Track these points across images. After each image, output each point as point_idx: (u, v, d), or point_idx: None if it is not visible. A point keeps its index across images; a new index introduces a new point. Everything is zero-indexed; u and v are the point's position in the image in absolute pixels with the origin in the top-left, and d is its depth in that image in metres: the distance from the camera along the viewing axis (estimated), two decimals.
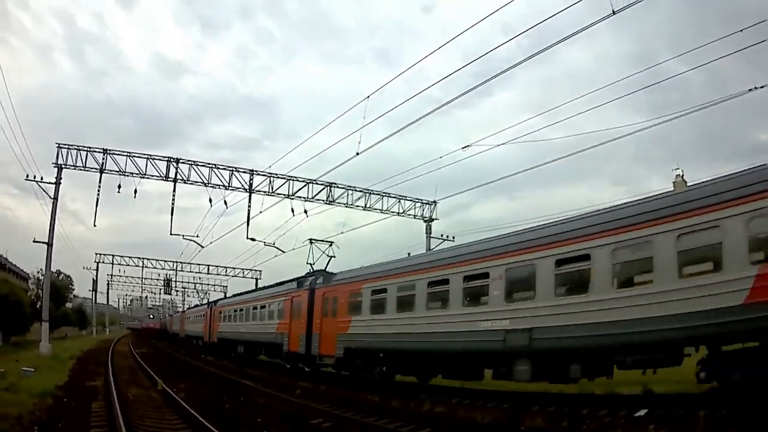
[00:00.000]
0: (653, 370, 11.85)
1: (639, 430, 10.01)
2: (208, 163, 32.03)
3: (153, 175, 30.76)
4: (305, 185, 33.14)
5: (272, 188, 32.62)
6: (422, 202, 37.29)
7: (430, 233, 37.57)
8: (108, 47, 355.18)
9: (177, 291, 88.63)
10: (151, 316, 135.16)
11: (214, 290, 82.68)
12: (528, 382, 14.28)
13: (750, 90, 15.43)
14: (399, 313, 18.20)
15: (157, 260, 70.11)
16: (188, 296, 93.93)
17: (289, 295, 27.22)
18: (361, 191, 34.75)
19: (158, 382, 17.57)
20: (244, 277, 70.42)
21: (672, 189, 17.35)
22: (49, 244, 31.65)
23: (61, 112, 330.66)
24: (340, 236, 35.88)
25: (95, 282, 79.93)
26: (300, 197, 33.10)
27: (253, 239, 33.80)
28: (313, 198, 33.46)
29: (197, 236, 36.64)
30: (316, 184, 33.28)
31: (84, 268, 79.00)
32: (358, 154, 24.79)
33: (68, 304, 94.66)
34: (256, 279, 68.54)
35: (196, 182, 31.48)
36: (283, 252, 36.01)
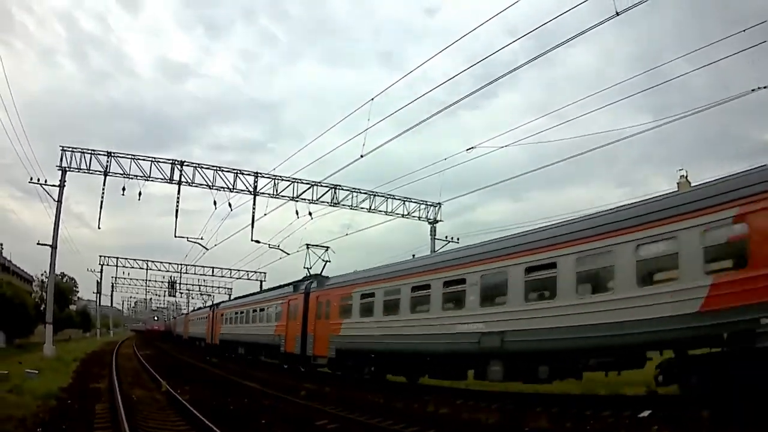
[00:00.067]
0: (617, 372, 12.70)
1: (642, 431, 9.97)
2: (213, 166, 32.15)
3: (157, 178, 30.88)
4: (310, 187, 33.18)
5: (277, 190, 32.67)
6: (427, 204, 37.30)
7: (435, 235, 37.57)
8: (112, 50, 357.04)
9: (181, 293, 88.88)
10: (156, 318, 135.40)
11: (219, 292, 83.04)
12: (500, 382, 15.13)
13: (753, 90, 15.46)
14: (385, 316, 19.17)
15: (161, 262, 70.42)
16: (193, 298, 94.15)
17: (286, 299, 28.10)
18: (365, 193, 34.81)
19: (162, 384, 17.57)
20: (248, 279, 70.59)
21: (676, 189, 17.35)
22: (54, 247, 31.77)
23: (65, 115, 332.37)
24: (345, 238, 36.02)
25: (99, 284, 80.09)
26: (304, 199, 33.15)
27: (257, 241, 34.07)
28: (317, 200, 33.50)
29: (202, 238, 36.93)
30: (321, 186, 33.33)
31: (88, 270, 79.23)
32: (362, 156, 24.84)
33: (72, 307, 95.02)
34: (261, 281, 68.71)
35: (201, 185, 31.56)
36: (288, 254, 36.01)
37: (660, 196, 12.45)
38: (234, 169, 32.27)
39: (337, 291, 23.03)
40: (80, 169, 30.48)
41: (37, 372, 19.03)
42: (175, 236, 33.07)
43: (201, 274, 73.02)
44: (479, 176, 28.69)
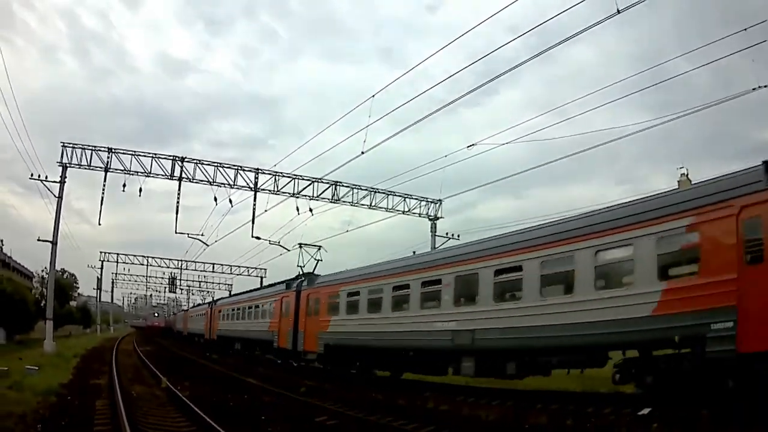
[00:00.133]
0: (580, 370, 13.60)
1: (643, 429, 9.97)
2: (214, 162, 32.14)
3: (158, 174, 30.84)
4: (310, 184, 33.17)
5: (277, 187, 32.66)
6: (427, 201, 37.29)
7: (435, 231, 37.58)
8: (113, 46, 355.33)
9: (182, 289, 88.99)
10: (156, 315, 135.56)
11: (219, 289, 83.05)
12: (472, 377, 16.05)
13: (754, 89, 15.47)
14: (369, 313, 20.11)
15: (162, 258, 70.46)
16: (193, 294, 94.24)
17: (279, 296, 29.10)
18: (366, 190, 34.80)
19: (162, 380, 17.58)
20: (249, 275, 70.65)
21: (677, 187, 17.34)
22: (54, 243, 31.74)
23: (66, 112, 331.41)
24: (346, 235, 36.03)
25: (100, 280, 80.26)
26: (305, 196, 33.18)
27: (258, 238, 33.99)
28: (318, 196, 33.50)
29: (202, 235, 36.91)
30: (322, 182, 33.30)
31: (89, 266, 79.50)
32: (363, 152, 24.83)
33: (72, 303, 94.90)
34: (261, 277, 68.70)
35: (202, 181, 31.54)
36: (288, 250, 35.95)
37: (618, 204, 13.14)
38: (235, 166, 32.28)
39: (325, 289, 23.96)
40: (81, 165, 30.43)
41: (37, 368, 19.05)
42: (176, 232, 33.15)
43: (201, 271, 73.20)
44: (480, 173, 28.78)
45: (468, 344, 15.29)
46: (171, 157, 31.19)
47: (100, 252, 71.58)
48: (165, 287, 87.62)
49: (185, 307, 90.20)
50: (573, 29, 15.48)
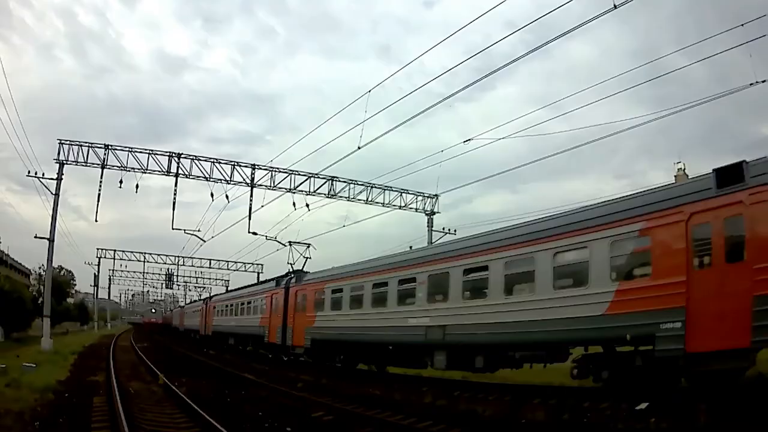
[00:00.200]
0: (544, 365, 14.33)
1: (640, 424, 9.99)
2: (210, 158, 31.93)
3: (155, 170, 30.61)
4: (307, 179, 33.03)
5: (274, 182, 32.50)
6: (424, 196, 37.18)
7: (432, 226, 37.53)
8: (110, 44, 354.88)
9: (179, 285, 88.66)
10: (153, 311, 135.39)
11: (216, 284, 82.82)
12: (444, 370, 16.92)
13: (751, 84, 15.53)
14: (352, 310, 21.08)
15: (158, 255, 70.07)
16: (190, 290, 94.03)
17: (270, 293, 30.12)
18: (362, 185, 34.66)
19: (159, 377, 17.59)
20: (245, 271, 70.40)
21: (674, 182, 17.36)
22: (51, 240, 31.61)
23: (63, 110, 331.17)
24: (342, 230, 35.98)
25: (97, 277, 79.77)
26: (302, 191, 33.00)
27: (254, 233, 34.00)
28: (314, 192, 33.35)
29: (199, 230, 36.97)
30: (318, 177, 33.17)
31: (86, 263, 78.91)
32: (359, 148, 24.86)
33: (70, 300, 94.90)
34: (258, 273, 68.47)
35: (198, 177, 31.32)
36: (284, 245, 35.99)
37: (575, 209, 13.81)
38: (231, 161, 32.07)
39: (312, 286, 24.92)
40: (78, 162, 30.28)
41: (34, 365, 19.05)
42: (173, 228, 33.17)
43: (198, 266, 72.77)
44: (477, 168, 28.75)
45: (439, 339, 16.14)
46: (168, 154, 31.00)
47: (97, 249, 70.87)
48: (162, 283, 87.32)
49: (182, 304, 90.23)
50: (570, 24, 15.52)
